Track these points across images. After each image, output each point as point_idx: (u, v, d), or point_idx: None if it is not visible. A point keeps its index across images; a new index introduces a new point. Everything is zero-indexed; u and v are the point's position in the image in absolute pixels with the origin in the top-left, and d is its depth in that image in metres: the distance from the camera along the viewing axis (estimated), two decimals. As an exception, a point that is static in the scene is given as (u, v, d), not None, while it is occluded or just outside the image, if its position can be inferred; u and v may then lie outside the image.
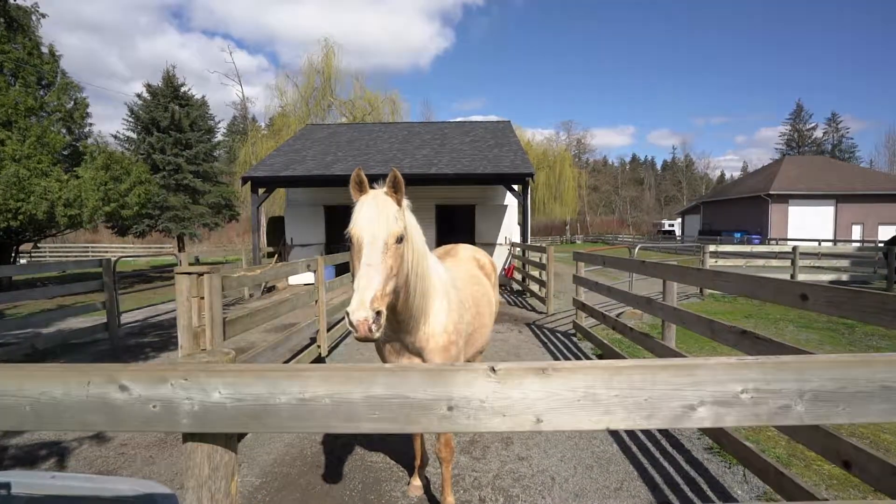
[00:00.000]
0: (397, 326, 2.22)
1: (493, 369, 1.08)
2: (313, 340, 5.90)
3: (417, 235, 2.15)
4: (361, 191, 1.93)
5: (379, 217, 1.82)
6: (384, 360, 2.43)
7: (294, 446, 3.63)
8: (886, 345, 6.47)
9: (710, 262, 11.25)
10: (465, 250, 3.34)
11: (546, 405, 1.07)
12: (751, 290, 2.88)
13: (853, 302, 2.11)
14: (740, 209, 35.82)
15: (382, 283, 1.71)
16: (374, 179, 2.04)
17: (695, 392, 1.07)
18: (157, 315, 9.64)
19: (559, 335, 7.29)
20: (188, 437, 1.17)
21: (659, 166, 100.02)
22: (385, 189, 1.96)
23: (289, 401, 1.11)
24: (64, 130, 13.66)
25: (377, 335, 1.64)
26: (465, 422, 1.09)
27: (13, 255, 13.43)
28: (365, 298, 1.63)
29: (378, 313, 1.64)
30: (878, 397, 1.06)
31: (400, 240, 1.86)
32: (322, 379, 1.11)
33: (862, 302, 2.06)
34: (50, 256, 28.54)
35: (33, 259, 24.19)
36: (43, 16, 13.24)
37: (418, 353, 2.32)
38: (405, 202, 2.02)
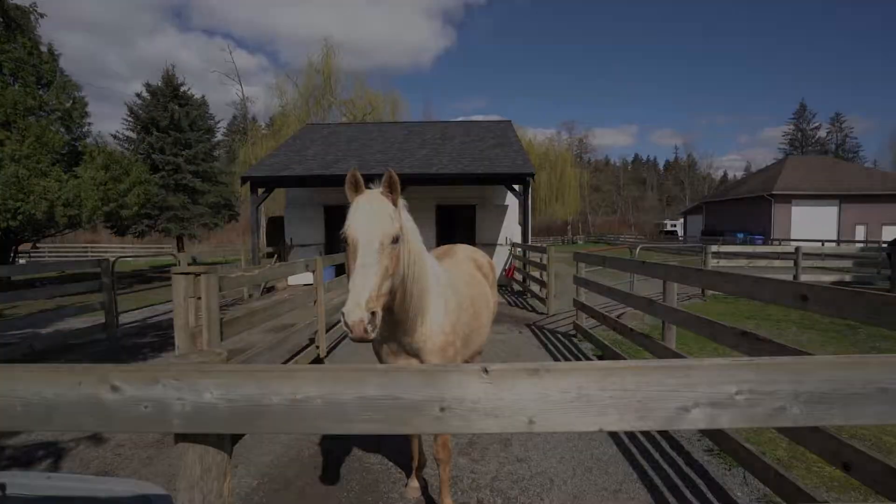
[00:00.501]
0: (394, 327, 2.21)
1: (485, 370, 1.07)
2: (312, 341, 5.89)
3: (414, 236, 2.14)
4: (357, 191, 1.92)
5: (374, 217, 1.81)
6: (381, 361, 2.42)
7: (292, 447, 3.62)
8: (889, 346, 6.44)
9: (713, 263, 11.22)
10: (462, 250, 3.33)
11: (539, 406, 1.06)
12: (750, 291, 2.87)
13: (853, 303, 2.09)
14: (743, 209, 35.70)
15: (377, 284, 1.71)
16: (374, 179, 2.03)
17: (689, 393, 1.05)
18: (156, 315, 9.63)
19: (559, 336, 7.28)
20: (180, 437, 1.16)
21: (661, 166, 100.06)
22: (381, 189, 1.95)
23: (281, 402, 1.10)
24: (63, 130, 13.67)
25: (372, 336, 1.64)
26: (458, 423, 1.08)
27: (12, 254, 13.45)
28: (360, 299, 1.63)
29: (373, 314, 1.64)
30: (873, 399, 1.04)
31: (395, 240, 1.85)
32: (314, 380, 1.10)
33: (862, 303, 2.05)
34: (49, 256, 28.46)
35: (32, 259, 24.16)
36: (41, 15, 13.23)
37: (415, 354, 2.31)
38: (401, 202, 2.01)
